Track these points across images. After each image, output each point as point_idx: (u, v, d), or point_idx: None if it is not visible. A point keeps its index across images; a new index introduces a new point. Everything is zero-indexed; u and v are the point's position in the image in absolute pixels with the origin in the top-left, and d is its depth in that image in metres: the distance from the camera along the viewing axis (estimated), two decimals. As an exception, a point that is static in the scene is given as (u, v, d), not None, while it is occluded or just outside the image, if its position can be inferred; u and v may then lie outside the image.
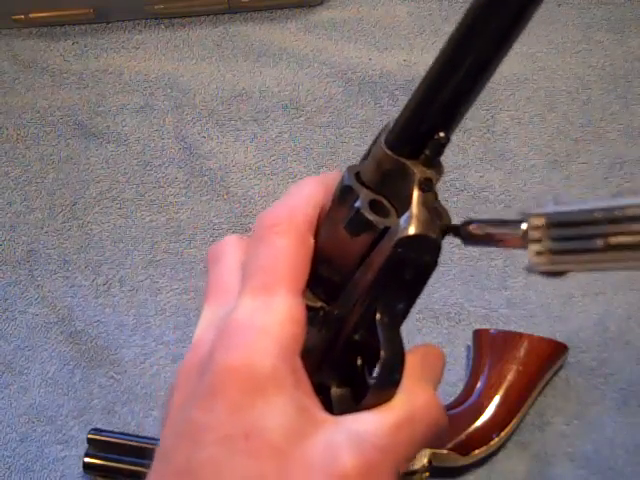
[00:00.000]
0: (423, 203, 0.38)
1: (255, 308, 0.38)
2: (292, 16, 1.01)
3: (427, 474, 0.73)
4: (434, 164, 0.39)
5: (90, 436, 0.77)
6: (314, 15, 1.01)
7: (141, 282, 0.87)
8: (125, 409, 0.81)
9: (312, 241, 0.41)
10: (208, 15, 1.01)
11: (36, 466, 0.79)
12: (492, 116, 0.92)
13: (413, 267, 0.39)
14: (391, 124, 0.40)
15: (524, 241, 0.34)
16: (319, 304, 0.43)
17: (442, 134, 0.38)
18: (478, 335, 0.78)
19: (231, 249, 0.43)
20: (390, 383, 0.39)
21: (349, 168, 0.41)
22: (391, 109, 0.94)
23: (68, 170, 0.93)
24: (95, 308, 0.86)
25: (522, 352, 0.76)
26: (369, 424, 0.38)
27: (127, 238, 0.89)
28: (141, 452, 0.76)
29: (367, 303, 0.41)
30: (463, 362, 0.80)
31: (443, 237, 0.40)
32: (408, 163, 0.39)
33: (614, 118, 0.92)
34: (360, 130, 0.92)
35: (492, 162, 0.90)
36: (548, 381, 0.78)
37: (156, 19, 1.01)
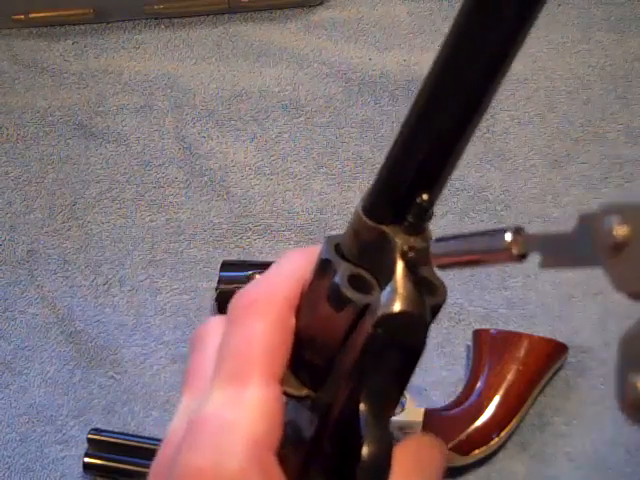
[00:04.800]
0: (407, 276, 0.34)
1: (224, 402, 0.35)
2: (292, 16, 1.01)
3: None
4: (419, 231, 0.34)
5: (90, 436, 0.77)
6: (314, 15, 1.01)
7: (141, 282, 0.87)
8: (125, 409, 0.81)
9: (293, 322, 0.37)
10: (208, 15, 1.01)
11: (36, 466, 0.79)
12: (492, 116, 0.92)
13: (397, 349, 0.35)
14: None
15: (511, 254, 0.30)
16: (304, 392, 0.38)
17: (425, 196, 0.34)
18: (478, 335, 0.78)
19: (214, 332, 0.39)
20: None
21: (328, 239, 0.37)
22: (391, 109, 0.94)
23: (68, 170, 0.93)
24: (95, 308, 0.86)
25: (522, 352, 0.76)
26: None
27: (127, 238, 0.89)
28: (141, 452, 0.76)
29: (349, 391, 0.36)
30: (463, 362, 0.80)
31: (434, 315, 0.35)
32: (388, 231, 0.34)
33: (614, 118, 0.92)
34: (360, 130, 0.92)
35: (492, 162, 0.90)
36: (548, 381, 0.78)
37: (156, 19, 1.01)
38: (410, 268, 0.34)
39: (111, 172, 0.93)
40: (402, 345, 0.35)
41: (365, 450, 0.34)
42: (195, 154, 0.93)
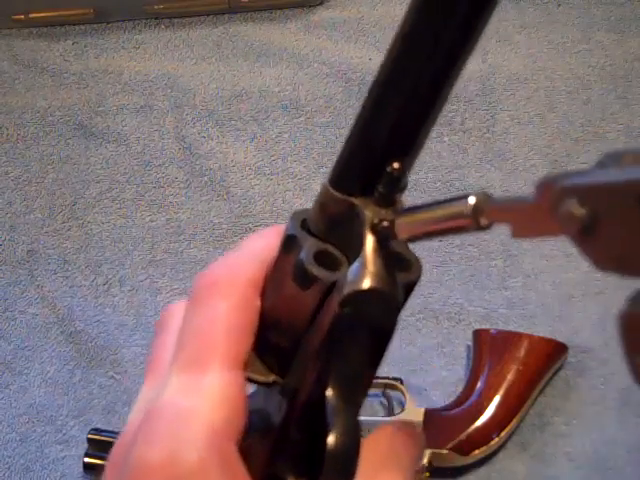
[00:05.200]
0: (377, 250, 0.32)
1: (182, 388, 0.33)
2: (292, 16, 1.00)
3: (427, 474, 0.73)
4: (390, 202, 0.32)
5: (90, 436, 0.77)
6: (314, 15, 1.01)
7: (141, 282, 0.87)
8: (125, 409, 0.81)
9: (258, 303, 0.35)
10: (208, 15, 1.01)
11: (36, 466, 0.79)
12: (492, 116, 0.92)
13: (366, 329, 0.33)
14: None
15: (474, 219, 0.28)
16: (272, 377, 0.36)
17: (396, 165, 0.31)
18: (478, 335, 0.78)
19: (176, 316, 0.36)
20: (340, 477, 0.32)
21: (295, 214, 0.34)
22: (391, 109, 0.94)
23: (68, 170, 0.93)
24: (95, 308, 0.86)
25: (522, 352, 0.76)
26: None
27: (127, 238, 0.89)
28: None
29: (316, 374, 0.34)
30: (463, 362, 0.80)
31: (408, 293, 0.33)
32: (357, 203, 0.32)
33: (614, 118, 0.92)
34: (360, 130, 0.92)
35: (492, 162, 0.90)
36: (548, 381, 0.78)
37: (156, 19, 1.01)
38: (381, 242, 0.32)
39: (111, 172, 0.93)
40: (371, 325, 0.33)
41: (331, 438, 0.32)
42: (195, 154, 0.93)
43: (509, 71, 0.95)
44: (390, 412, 0.77)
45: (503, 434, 0.74)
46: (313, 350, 0.33)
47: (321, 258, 0.32)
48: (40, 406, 0.82)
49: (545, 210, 0.25)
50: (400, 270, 0.32)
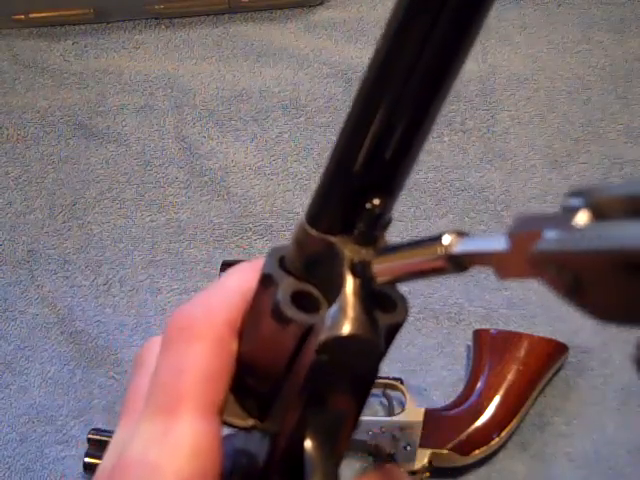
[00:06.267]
0: (358, 292, 0.30)
1: (150, 439, 0.31)
2: (292, 16, 1.00)
3: (428, 474, 0.73)
4: (371, 240, 0.30)
5: (90, 436, 0.77)
6: (314, 15, 1.01)
7: (141, 282, 0.87)
8: (125, 409, 0.81)
9: (234, 345, 0.33)
10: (208, 15, 1.01)
11: (36, 466, 0.79)
12: (492, 116, 0.92)
13: (346, 376, 0.31)
14: None
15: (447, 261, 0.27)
16: (251, 422, 0.34)
17: (376, 201, 0.29)
18: (478, 335, 0.78)
19: (152, 355, 0.34)
20: None
21: (272, 251, 0.32)
22: (391, 109, 0.94)
23: (68, 170, 0.93)
24: (95, 308, 0.86)
25: (522, 352, 0.76)
26: None
27: (127, 238, 0.89)
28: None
29: (295, 423, 0.32)
30: (463, 362, 0.80)
31: (392, 335, 0.31)
32: (336, 242, 0.30)
33: (614, 118, 0.92)
34: (360, 130, 0.92)
35: (492, 162, 0.90)
36: (548, 381, 0.78)
37: (156, 19, 1.01)
38: (361, 283, 0.30)
39: (111, 172, 0.93)
40: (351, 372, 0.31)
41: None
42: (195, 154, 0.93)
43: (509, 71, 0.95)
44: (390, 412, 0.77)
45: (503, 434, 0.74)
46: (292, 396, 0.32)
47: (298, 299, 0.31)
48: (40, 406, 0.82)
49: (523, 261, 0.24)
50: (384, 311, 0.31)
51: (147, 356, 0.35)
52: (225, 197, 0.90)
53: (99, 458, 0.76)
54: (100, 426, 0.79)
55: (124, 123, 0.95)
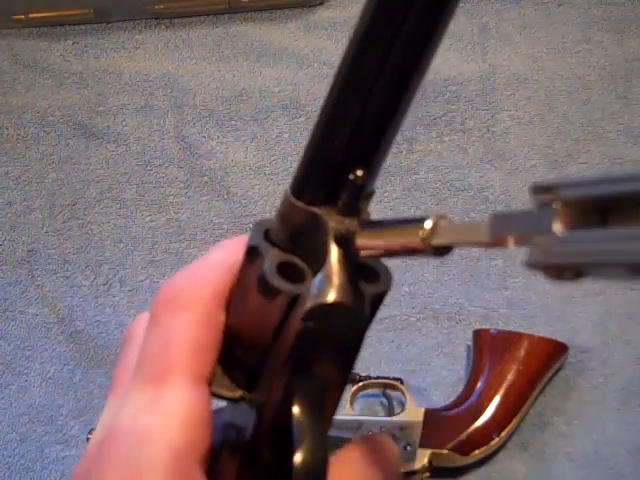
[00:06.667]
0: (342, 261, 0.30)
1: (141, 406, 0.31)
2: (292, 16, 1.00)
3: (427, 474, 0.73)
4: (354, 211, 0.31)
5: (90, 436, 0.77)
6: (314, 15, 1.01)
7: (141, 282, 0.87)
8: (125, 409, 0.81)
9: (222, 316, 0.33)
10: (208, 15, 1.01)
11: (36, 466, 0.79)
12: (492, 116, 0.92)
13: (331, 344, 0.31)
14: None
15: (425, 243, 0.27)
16: (238, 393, 0.34)
17: (360, 172, 0.30)
18: (478, 335, 0.78)
19: (140, 329, 0.35)
20: None
21: (257, 224, 0.33)
22: (391, 109, 0.94)
23: (68, 170, 0.93)
24: (95, 308, 0.86)
25: (522, 352, 0.76)
26: None
27: (127, 238, 0.89)
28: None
29: (282, 391, 0.32)
30: (463, 362, 0.80)
31: (376, 305, 0.32)
32: (320, 212, 0.31)
33: (614, 118, 0.92)
34: (360, 130, 0.92)
35: (492, 162, 0.90)
36: (548, 381, 0.78)
37: (156, 19, 1.01)
38: (345, 253, 0.30)
39: (111, 172, 0.93)
40: (336, 340, 0.31)
41: (298, 457, 0.31)
42: (195, 154, 0.93)
43: (509, 71, 0.95)
44: (390, 412, 0.77)
45: (503, 434, 0.74)
46: (278, 365, 0.32)
47: (284, 270, 0.31)
48: (40, 406, 0.82)
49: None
50: (368, 281, 0.31)
51: (134, 331, 0.35)
52: (225, 197, 0.90)
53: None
54: (100, 426, 0.79)
55: (124, 123, 0.95)
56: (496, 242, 0.25)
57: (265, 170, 0.92)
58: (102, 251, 0.89)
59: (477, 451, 0.74)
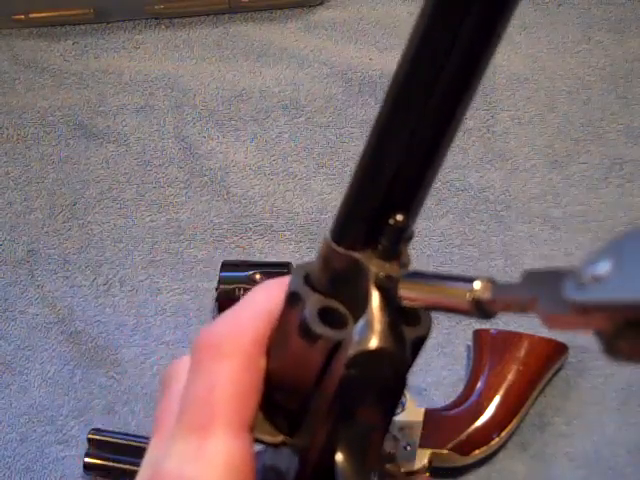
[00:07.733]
0: (383, 307, 0.30)
1: (185, 455, 0.32)
2: (292, 16, 1.01)
3: (427, 474, 0.73)
4: (394, 255, 0.31)
5: (90, 436, 0.77)
6: (314, 15, 1.01)
7: (141, 282, 0.87)
8: (125, 409, 0.81)
9: (263, 362, 0.34)
10: (208, 15, 1.01)
11: (36, 466, 0.79)
12: (492, 116, 0.92)
13: (374, 390, 0.32)
14: None
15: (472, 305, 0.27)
16: (280, 438, 0.34)
17: (400, 217, 0.30)
18: (478, 335, 0.78)
19: (181, 373, 0.35)
20: None
21: (296, 268, 0.33)
22: (391, 109, 0.94)
23: (68, 170, 0.93)
24: (95, 308, 0.86)
25: (522, 352, 0.76)
26: None
27: (127, 238, 0.89)
28: (141, 452, 0.75)
29: (325, 437, 0.32)
30: (463, 362, 0.80)
31: (417, 348, 0.32)
32: (361, 258, 0.31)
33: (614, 118, 0.92)
34: (360, 130, 0.92)
35: (492, 162, 0.90)
36: (548, 381, 0.78)
37: (156, 19, 1.01)
38: (387, 297, 0.30)
39: (111, 172, 0.93)
40: (379, 385, 0.32)
41: None
42: (195, 154, 0.93)
43: (509, 71, 0.95)
44: (390, 412, 0.77)
45: (503, 434, 0.74)
46: (321, 411, 0.32)
47: (325, 315, 0.31)
48: (40, 406, 0.82)
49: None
50: (408, 325, 0.32)
51: (175, 374, 0.36)
52: (225, 197, 0.90)
53: (99, 458, 0.76)
54: (100, 426, 0.79)
55: (124, 123, 0.95)
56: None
57: (265, 170, 0.92)
58: (102, 251, 0.89)
59: (477, 451, 0.74)
